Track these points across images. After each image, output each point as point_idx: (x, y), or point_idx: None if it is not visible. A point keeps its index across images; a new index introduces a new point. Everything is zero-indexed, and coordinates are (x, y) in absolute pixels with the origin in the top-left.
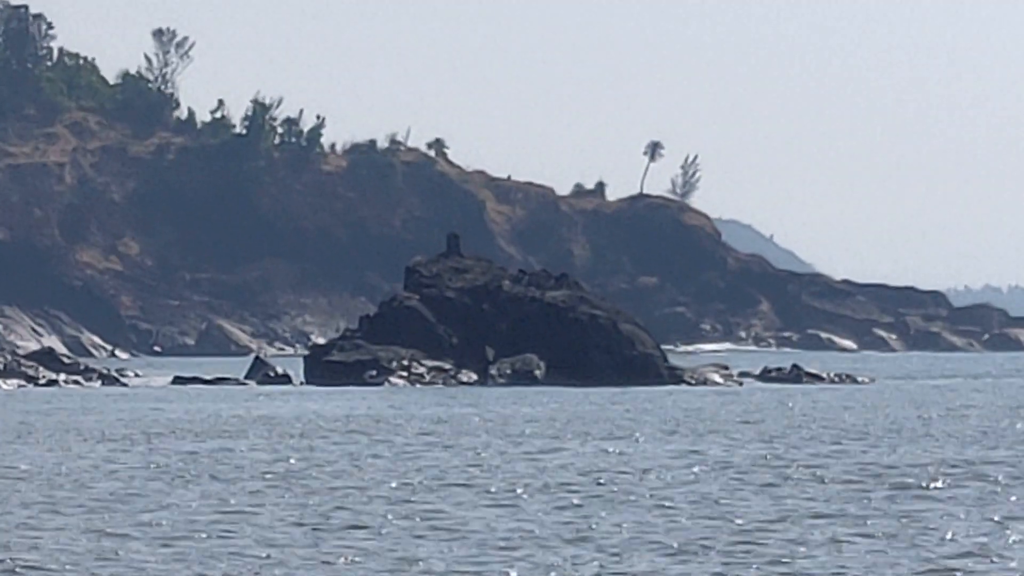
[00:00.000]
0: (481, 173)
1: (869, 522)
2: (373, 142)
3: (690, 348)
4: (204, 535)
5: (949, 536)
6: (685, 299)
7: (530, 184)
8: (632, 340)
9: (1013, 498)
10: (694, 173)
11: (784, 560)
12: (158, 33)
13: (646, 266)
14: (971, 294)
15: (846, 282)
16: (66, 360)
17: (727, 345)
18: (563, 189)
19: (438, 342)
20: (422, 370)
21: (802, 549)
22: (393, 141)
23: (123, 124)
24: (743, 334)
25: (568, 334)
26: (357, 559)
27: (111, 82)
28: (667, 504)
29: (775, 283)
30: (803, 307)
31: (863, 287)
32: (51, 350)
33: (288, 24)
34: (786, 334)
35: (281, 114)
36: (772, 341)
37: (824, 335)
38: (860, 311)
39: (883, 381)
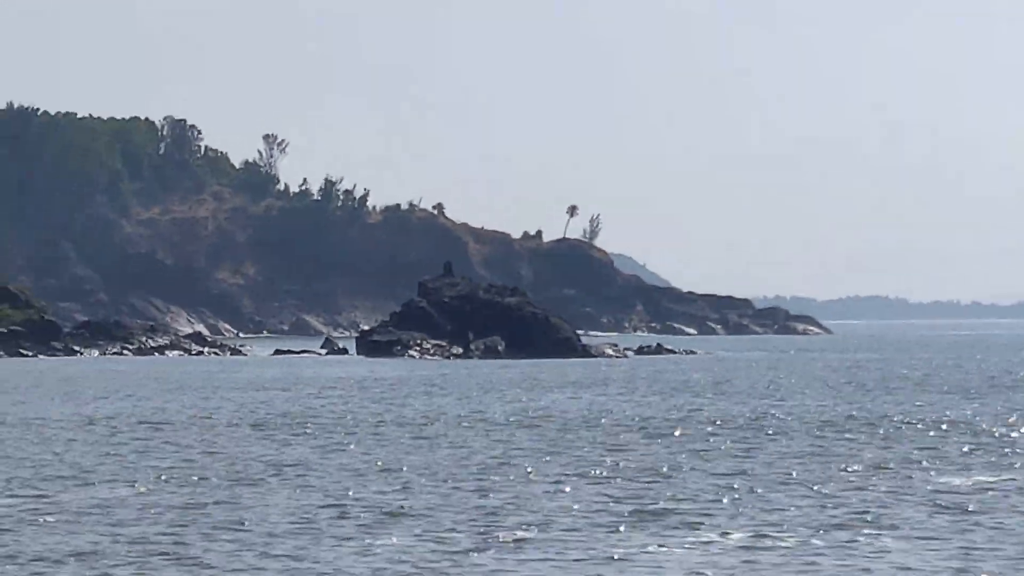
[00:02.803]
0: (465, 225)
1: None
2: (398, 204)
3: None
4: None
5: None
6: (591, 303)
7: (495, 231)
8: (559, 328)
9: None
10: (597, 224)
11: None
12: (267, 137)
13: (567, 283)
14: (767, 300)
15: (691, 293)
16: (208, 339)
17: (616, 333)
18: (516, 234)
19: (438, 329)
20: (428, 346)
21: None
22: (411, 204)
23: (244, 194)
24: (627, 325)
25: (519, 325)
26: None
27: (237, 167)
28: None
29: (647, 294)
30: (664, 309)
31: (701, 296)
32: (199, 333)
33: (352, 128)
34: (653, 325)
35: (342, 187)
36: (645, 330)
37: (677, 326)
38: (699, 311)
39: (715, 353)
